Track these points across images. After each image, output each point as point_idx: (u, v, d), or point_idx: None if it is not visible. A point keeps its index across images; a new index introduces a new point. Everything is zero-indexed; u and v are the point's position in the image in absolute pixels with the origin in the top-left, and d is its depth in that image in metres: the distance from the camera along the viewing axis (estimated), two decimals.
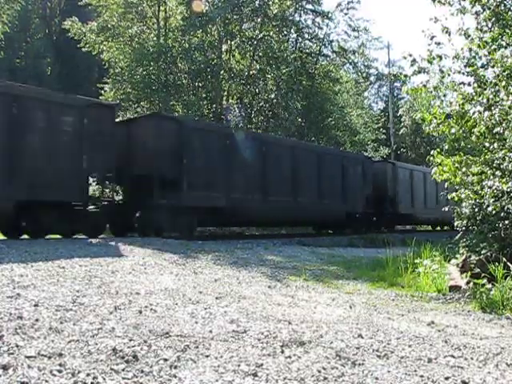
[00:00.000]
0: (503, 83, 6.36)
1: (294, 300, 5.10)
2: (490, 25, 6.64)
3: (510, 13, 6.57)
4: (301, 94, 24.07)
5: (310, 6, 25.47)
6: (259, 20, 22.61)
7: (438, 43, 6.65)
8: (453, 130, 6.85)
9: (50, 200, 10.26)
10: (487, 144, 6.97)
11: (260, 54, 22.62)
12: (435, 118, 6.95)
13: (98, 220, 11.42)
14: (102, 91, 21.98)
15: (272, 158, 15.32)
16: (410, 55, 6.74)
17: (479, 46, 6.60)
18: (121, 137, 11.99)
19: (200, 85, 22.05)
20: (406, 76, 7.16)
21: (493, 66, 6.61)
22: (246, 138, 14.77)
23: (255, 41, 22.43)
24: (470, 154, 7.48)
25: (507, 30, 6.49)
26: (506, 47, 6.64)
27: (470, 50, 6.67)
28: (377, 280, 7.10)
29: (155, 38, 21.66)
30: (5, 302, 4.00)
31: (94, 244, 9.23)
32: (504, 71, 6.38)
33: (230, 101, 23.27)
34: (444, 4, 6.83)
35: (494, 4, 6.49)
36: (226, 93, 23.06)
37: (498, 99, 6.46)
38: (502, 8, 6.52)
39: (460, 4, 6.82)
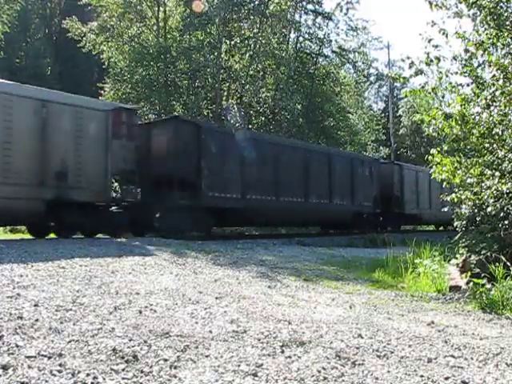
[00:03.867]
0: (500, 82, 6.36)
1: (293, 300, 5.10)
2: (486, 26, 6.63)
3: (506, 14, 6.56)
4: (300, 94, 24.04)
5: (310, 6, 25.51)
6: (257, 19, 22.58)
7: (436, 46, 6.64)
8: (452, 131, 6.85)
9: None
10: (487, 145, 6.97)
11: (259, 53, 22.59)
12: (434, 119, 6.95)
13: None
14: (102, 91, 21.99)
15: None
16: (408, 58, 6.74)
17: (476, 47, 6.60)
18: None
19: (200, 85, 22.04)
20: (404, 78, 7.16)
21: (489, 66, 6.61)
22: None
23: (253, 39, 22.40)
24: (468, 155, 7.48)
25: (503, 30, 6.49)
26: (502, 48, 6.64)
27: (467, 50, 6.67)
28: (377, 280, 7.11)
29: (155, 39, 21.67)
30: (5, 301, 4.00)
31: (94, 244, 9.22)
32: (498, 69, 6.38)
33: (230, 101, 23.26)
34: (441, 8, 6.82)
35: (491, 6, 6.48)
36: (225, 93, 23.05)
37: (495, 99, 6.46)
38: (498, 9, 6.52)
39: (457, 7, 6.82)
